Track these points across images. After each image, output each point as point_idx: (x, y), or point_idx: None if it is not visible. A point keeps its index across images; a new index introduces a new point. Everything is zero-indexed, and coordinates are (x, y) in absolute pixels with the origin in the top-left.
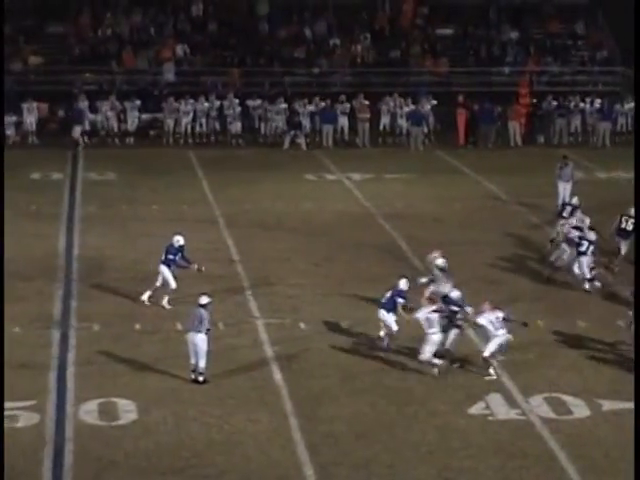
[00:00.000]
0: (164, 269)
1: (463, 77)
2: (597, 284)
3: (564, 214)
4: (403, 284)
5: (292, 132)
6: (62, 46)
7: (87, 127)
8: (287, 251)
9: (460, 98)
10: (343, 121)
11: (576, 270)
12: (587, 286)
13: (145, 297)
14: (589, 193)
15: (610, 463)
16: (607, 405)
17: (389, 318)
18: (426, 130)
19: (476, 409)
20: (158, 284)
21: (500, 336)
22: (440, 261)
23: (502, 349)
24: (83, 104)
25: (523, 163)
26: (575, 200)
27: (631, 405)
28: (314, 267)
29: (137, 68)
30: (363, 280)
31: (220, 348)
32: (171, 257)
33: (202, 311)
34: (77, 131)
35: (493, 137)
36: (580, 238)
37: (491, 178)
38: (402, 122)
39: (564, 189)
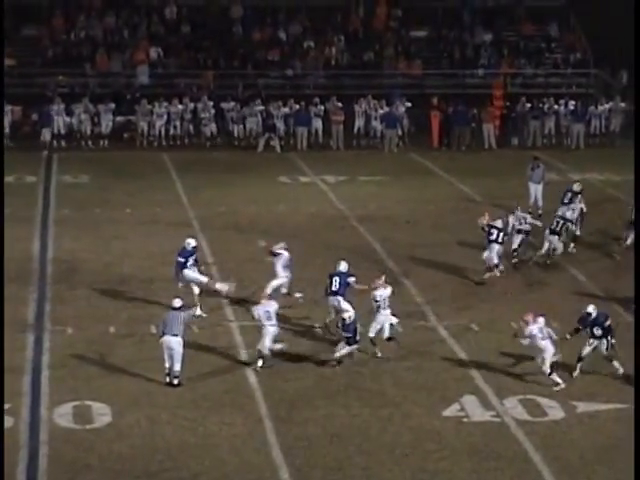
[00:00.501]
0: (189, 275)
1: (437, 79)
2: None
3: (565, 200)
4: (344, 266)
5: (266, 135)
6: (35, 48)
7: (62, 130)
8: (261, 253)
9: (434, 100)
10: (317, 123)
11: (485, 254)
12: (493, 273)
13: (197, 312)
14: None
15: (585, 465)
16: (582, 407)
17: (346, 304)
18: (400, 132)
19: (451, 411)
20: (197, 292)
21: (382, 315)
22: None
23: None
24: (57, 107)
25: (497, 165)
26: (576, 186)
27: (606, 407)
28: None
29: (111, 71)
30: None
31: (194, 351)
32: (189, 261)
33: (181, 314)
34: (46, 134)
35: (467, 139)
36: (490, 227)
37: (465, 180)
38: (376, 124)
39: (535, 190)
